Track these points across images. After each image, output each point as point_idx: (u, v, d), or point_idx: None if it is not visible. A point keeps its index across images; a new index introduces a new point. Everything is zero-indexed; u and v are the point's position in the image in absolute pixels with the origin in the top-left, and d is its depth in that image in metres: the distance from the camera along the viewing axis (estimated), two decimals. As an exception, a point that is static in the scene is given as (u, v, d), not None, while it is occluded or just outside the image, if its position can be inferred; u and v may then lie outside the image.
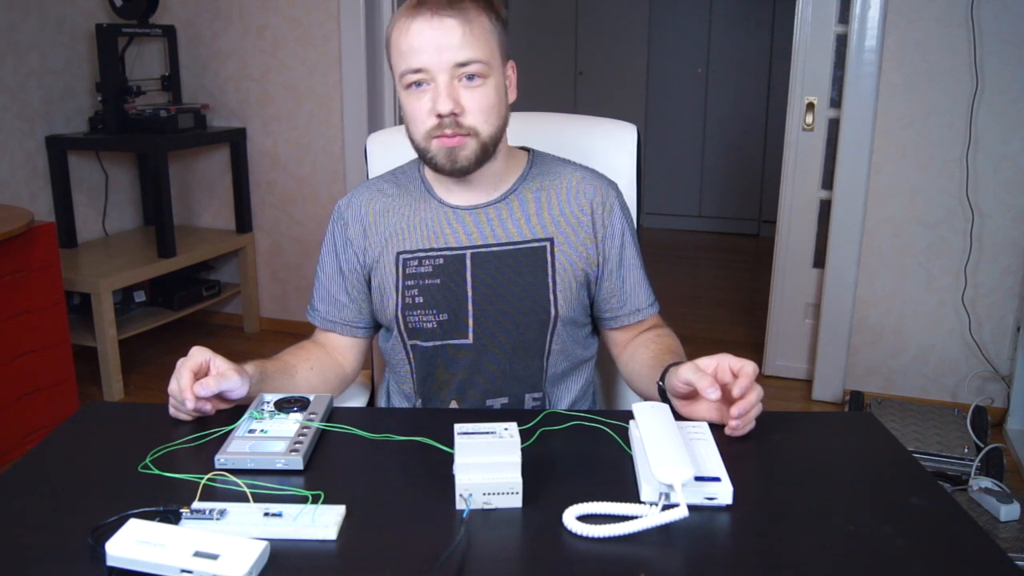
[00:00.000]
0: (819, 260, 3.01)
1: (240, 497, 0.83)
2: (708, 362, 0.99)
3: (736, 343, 3.54)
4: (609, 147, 1.43)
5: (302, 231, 3.52)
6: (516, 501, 0.83)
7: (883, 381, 2.94)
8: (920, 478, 0.91)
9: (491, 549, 0.79)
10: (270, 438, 0.94)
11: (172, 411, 1.04)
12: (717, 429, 0.98)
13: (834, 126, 2.88)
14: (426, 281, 1.20)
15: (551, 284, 1.20)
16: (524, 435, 0.93)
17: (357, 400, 1.36)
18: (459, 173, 1.16)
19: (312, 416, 1.00)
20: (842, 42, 2.81)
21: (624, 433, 0.98)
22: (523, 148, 1.29)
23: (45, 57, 3.12)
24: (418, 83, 1.11)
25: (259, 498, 0.83)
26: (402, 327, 1.22)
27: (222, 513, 0.79)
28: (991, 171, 2.67)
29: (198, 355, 1.03)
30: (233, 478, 0.86)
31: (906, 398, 2.81)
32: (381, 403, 1.40)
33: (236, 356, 1.08)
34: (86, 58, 3.28)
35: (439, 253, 1.21)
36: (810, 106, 2.89)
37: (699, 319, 3.90)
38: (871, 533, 0.79)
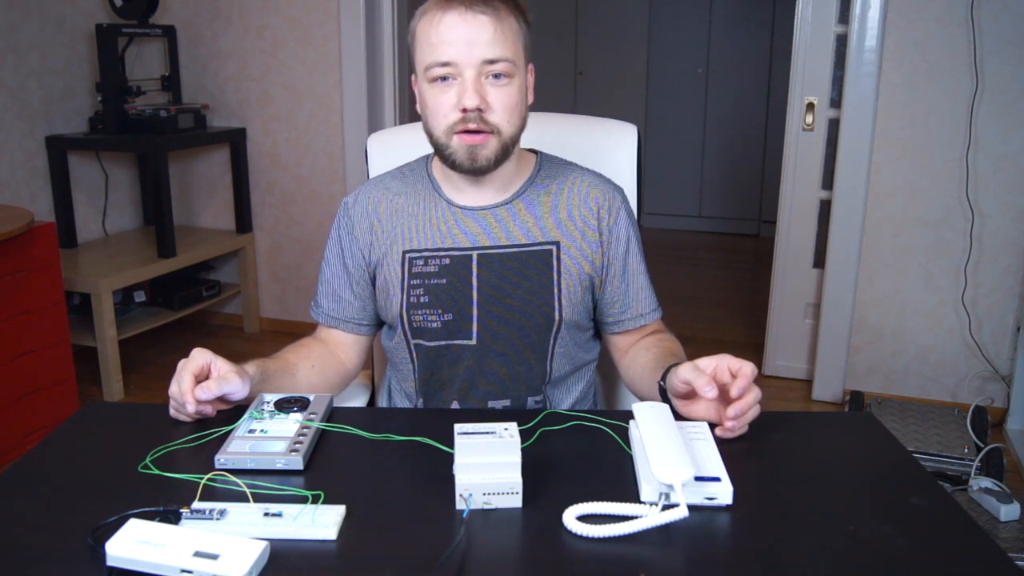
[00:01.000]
0: (819, 260, 3.01)
1: (240, 497, 0.83)
2: (707, 362, 0.99)
3: (736, 343, 3.54)
4: (609, 147, 1.43)
5: (302, 231, 3.52)
6: (516, 501, 0.83)
7: (883, 381, 2.94)
8: (920, 478, 0.91)
9: (491, 549, 0.79)
10: (270, 438, 0.94)
11: (172, 412, 1.04)
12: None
13: (834, 126, 2.88)
14: (432, 281, 1.20)
15: (556, 288, 1.20)
16: (524, 435, 0.93)
17: (358, 399, 1.36)
18: (478, 172, 1.16)
19: (312, 416, 1.00)
20: (842, 42, 2.81)
21: (624, 433, 0.98)
22: (531, 150, 1.29)
23: (45, 57, 3.12)
24: (444, 77, 1.11)
25: (259, 498, 0.83)
26: (406, 326, 1.22)
27: (222, 513, 0.79)
28: (991, 171, 2.67)
29: (199, 357, 1.03)
30: (233, 478, 0.86)
31: (906, 398, 2.81)
32: (382, 402, 1.40)
33: (236, 356, 1.08)
34: (86, 58, 3.28)
35: (446, 253, 1.21)
36: (810, 106, 2.89)
37: (699, 319, 3.90)
38: (871, 533, 0.79)
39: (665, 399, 1.06)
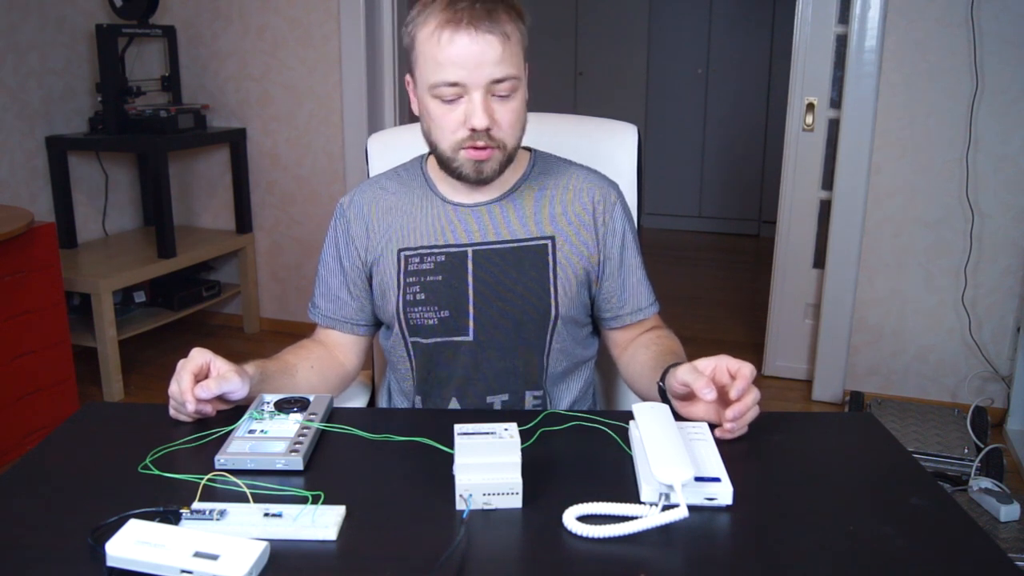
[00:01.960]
0: (819, 260, 3.01)
1: (240, 497, 0.83)
2: (706, 363, 0.99)
3: (736, 343, 3.54)
4: (610, 147, 1.43)
5: (302, 231, 3.52)
6: (516, 501, 0.83)
7: (883, 381, 2.94)
8: (920, 478, 0.91)
9: (491, 549, 0.79)
10: (270, 438, 0.94)
11: (172, 412, 1.04)
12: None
13: (834, 126, 2.88)
14: (428, 278, 1.20)
15: (552, 283, 1.20)
16: (524, 435, 0.93)
17: (358, 400, 1.37)
18: (482, 183, 1.17)
19: (312, 416, 1.00)
20: (842, 42, 2.81)
21: (624, 433, 0.98)
22: (525, 148, 1.29)
23: (45, 57, 3.12)
24: (451, 97, 1.10)
25: (259, 498, 0.83)
26: (403, 324, 1.22)
27: (222, 513, 0.79)
28: (991, 171, 2.67)
29: (198, 357, 1.03)
30: (233, 478, 0.86)
31: (906, 398, 2.81)
32: (382, 403, 1.40)
33: (236, 356, 1.08)
34: (86, 58, 3.28)
35: (441, 250, 1.21)
36: (810, 106, 2.89)
37: (699, 319, 3.90)
38: (871, 533, 0.79)
39: (665, 400, 1.06)
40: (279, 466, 0.90)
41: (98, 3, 3.28)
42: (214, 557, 0.71)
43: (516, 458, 0.83)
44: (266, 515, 0.80)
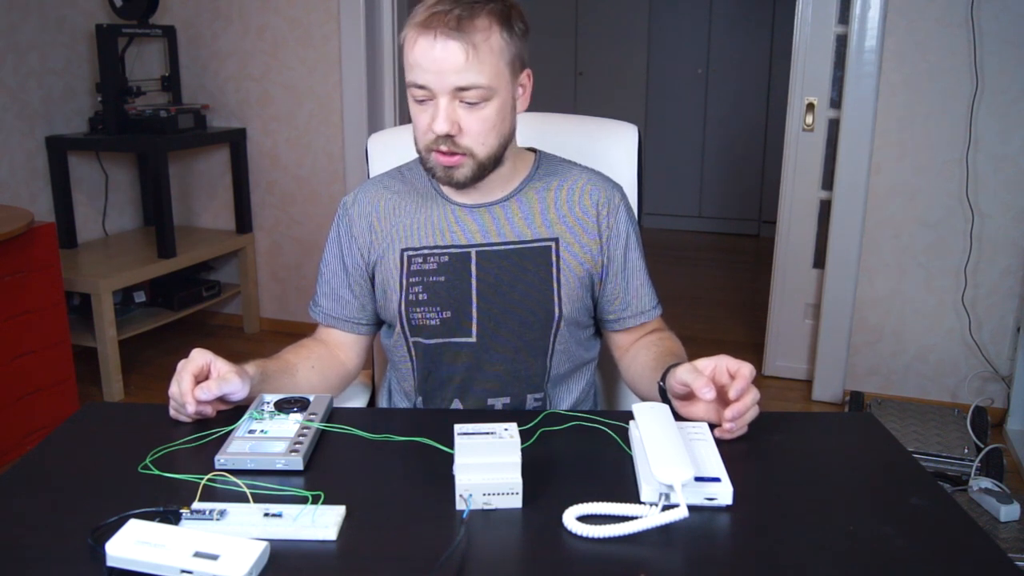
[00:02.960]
0: (819, 260, 3.01)
1: (240, 497, 0.83)
2: (706, 363, 0.99)
3: (736, 343, 3.54)
4: (610, 147, 1.43)
5: (302, 231, 3.52)
6: (516, 501, 0.83)
7: (883, 381, 2.94)
8: (920, 478, 0.91)
9: (491, 549, 0.79)
10: (270, 438, 0.94)
11: (172, 413, 1.04)
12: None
13: (834, 126, 2.88)
14: (431, 278, 1.20)
15: (555, 284, 1.20)
16: (524, 435, 0.93)
17: (358, 399, 1.36)
18: (456, 187, 1.17)
19: (312, 416, 1.00)
20: (842, 42, 2.81)
21: (624, 433, 0.98)
22: (530, 149, 1.29)
23: (45, 57, 3.12)
24: (421, 99, 1.11)
25: (259, 498, 0.83)
26: (405, 324, 1.22)
27: (222, 513, 0.79)
28: (991, 171, 2.67)
29: (199, 358, 1.03)
30: (233, 478, 0.86)
31: (906, 398, 2.81)
32: (382, 402, 1.40)
33: (236, 356, 1.08)
34: (86, 58, 3.28)
35: (444, 251, 1.21)
36: (810, 106, 2.89)
37: (699, 319, 3.90)
38: (871, 533, 0.79)
39: (665, 399, 1.06)
40: (279, 466, 0.90)
41: (98, 3, 3.28)
42: (214, 557, 0.71)
43: (516, 458, 0.83)
44: (266, 515, 0.80)
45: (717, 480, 0.85)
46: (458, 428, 0.87)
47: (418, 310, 1.21)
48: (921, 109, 2.70)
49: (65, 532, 0.79)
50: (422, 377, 1.25)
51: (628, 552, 0.77)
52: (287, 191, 3.51)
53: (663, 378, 1.06)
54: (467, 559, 0.76)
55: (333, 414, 1.05)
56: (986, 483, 2.12)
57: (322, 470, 0.92)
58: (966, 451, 2.29)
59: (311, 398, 1.05)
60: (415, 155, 1.31)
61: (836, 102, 2.87)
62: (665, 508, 0.81)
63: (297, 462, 0.90)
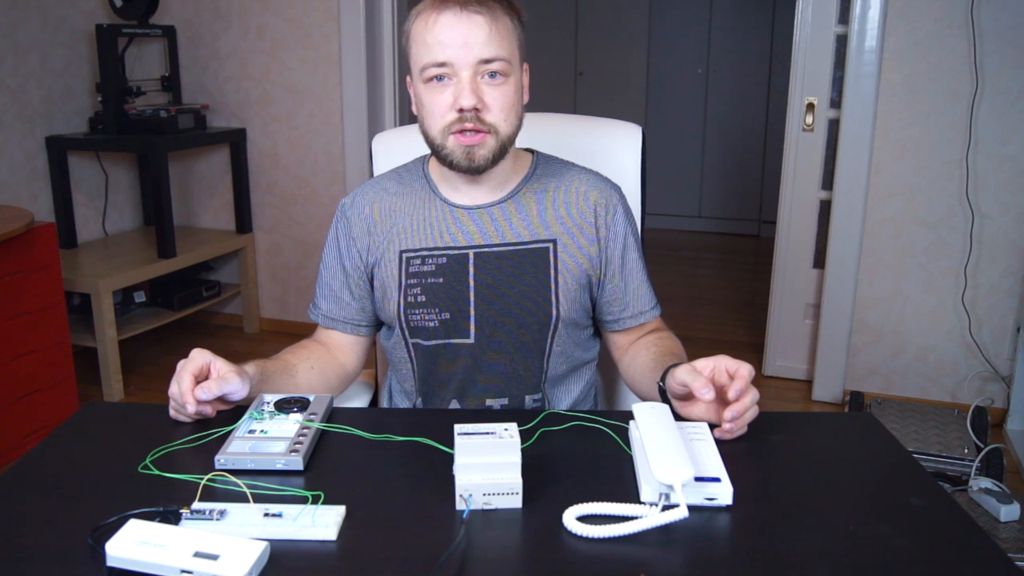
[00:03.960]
0: (819, 260, 3.01)
1: (240, 497, 0.83)
2: (705, 363, 0.99)
3: (736, 343, 3.54)
4: (613, 148, 1.43)
5: (302, 231, 3.52)
6: (516, 501, 0.83)
7: (883, 381, 2.94)
8: (920, 478, 0.91)
9: (491, 549, 0.79)
10: (270, 438, 0.94)
11: (172, 413, 1.04)
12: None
13: (834, 126, 2.88)
14: (429, 280, 1.20)
15: (553, 285, 1.20)
16: (524, 435, 0.93)
17: (360, 399, 1.37)
18: (475, 171, 1.16)
19: (312, 416, 1.00)
20: (842, 42, 2.81)
21: (624, 433, 0.98)
22: (527, 150, 1.29)
23: (45, 57, 3.12)
24: (440, 77, 1.11)
25: (259, 498, 0.83)
26: (403, 325, 1.22)
27: (222, 513, 0.79)
28: (991, 171, 2.67)
29: (199, 358, 1.03)
30: (233, 478, 0.86)
31: (906, 398, 2.81)
32: (384, 402, 1.40)
33: (236, 357, 1.08)
34: (86, 58, 3.28)
35: (442, 252, 1.21)
36: (810, 106, 2.89)
37: (699, 319, 3.90)
38: (871, 533, 0.79)
39: (665, 400, 1.06)
40: (279, 466, 0.90)
41: (98, 3, 3.28)
42: (214, 557, 0.71)
43: (516, 458, 0.83)
44: (266, 515, 0.80)
45: (717, 480, 0.85)
46: (458, 428, 0.87)
47: (417, 312, 1.21)
48: (921, 109, 2.70)
49: (65, 532, 0.79)
50: (421, 378, 1.25)
51: (628, 552, 0.77)
52: (287, 191, 3.51)
53: (662, 378, 1.06)
54: (467, 559, 0.76)
55: (333, 414, 1.05)
56: (986, 483, 2.12)
57: (322, 470, 0.92)
58: (966, 451, 2.29)
59: (311, 398, 1.05)
60: (419, 155, 1.31)
61: (836, 102, 2.87)
62: (665, 508, 0.81)
63: (297, 462, 0.90)
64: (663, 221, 5.64)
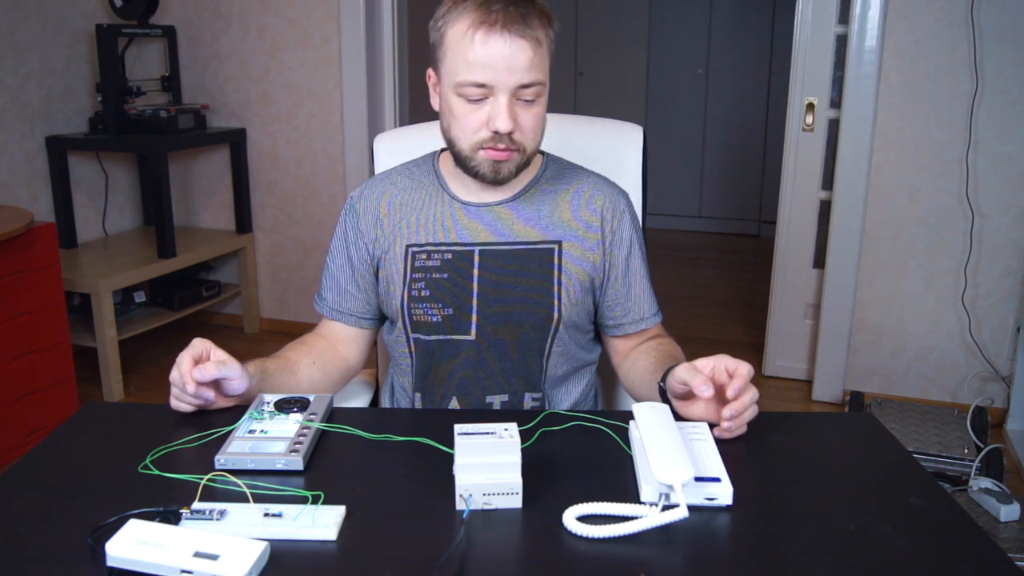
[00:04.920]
0: (819, 260, 3.01)
1: (240, 497, 0.83)
2: (704, 362, 1.00)
3: (736, 343, 3.54)
4: (615, 148, 1.43)
5: (302, 231, 3.52)
6: (516, 501, 0.83)
7: (883, 381, 2.94)
8: (920, 478, 0.91)
9: (491, 549, 0.79)
10: (270, 438, 0.94)
11: (174, 402, 1.04)
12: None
13: (834, 126, 2.88)
14: (433, 275, 1.21)
15: (556, 287, 1.20)
16: (524, 435, 0.93)
17: (361, 397, 1.37)
18: (499, 183, 1.18)
19: (312, 416, 1.00)
20: (842, 42, 2.81)
21: (624, 434, 0.98)
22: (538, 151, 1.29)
23: (45, 57, 3.12)
24: (477, 97, 1.11)
25: (259, 498, 0.83)
26: (406, 319, 1.22)
27: (222, 513, 0.79)
28: (991, 171, 2.67)
29: (198, 344, 1.04)
30: (233, 478, 0.86)
31: (906, 398, 2.81)
32: (385, 401, 1.40)
33: (236, 356, 1.08)
34: (86, 58, 3.28)
35: (448, 248, 1.21)
36: (810, 106, 2.89)
37: (699, 319, 3.90)
38: (871, 533, 0.79)
39: (665, 400, 1.06)
40: (279, 466, 0.90)
41: (98, 3, 3.28)
42: (214, 557, 0.71)
43: (516, 458, 0.83)
44: (266, 515, 0.80)
45: (717, 480, 0.85)
46: (458, 428, 0.87)
47: (420, 306, 1.21)
48: (921, 109, 2.70)
49: (65, 532, 0.79)
50: (421, 373, 1.26)
51: (628, 552, 0.77)
52: (287, 191, 3.51)
53: (663, 378, 1.06)
54: (467, 559, 0.76)
55: (333, 414, 1.05)
56: (986, 483, 2.12)
57: (322, 470, 0.92)
58: (966, 451, 2.29)
59: (311, 398, 1.05)
60: (420, 154, 1.31)
61: (836, 102, 2.87)
62: (665, 508, 0.81)
63: (297, 462, 0.90)
64: (663, 221, 5.64)
